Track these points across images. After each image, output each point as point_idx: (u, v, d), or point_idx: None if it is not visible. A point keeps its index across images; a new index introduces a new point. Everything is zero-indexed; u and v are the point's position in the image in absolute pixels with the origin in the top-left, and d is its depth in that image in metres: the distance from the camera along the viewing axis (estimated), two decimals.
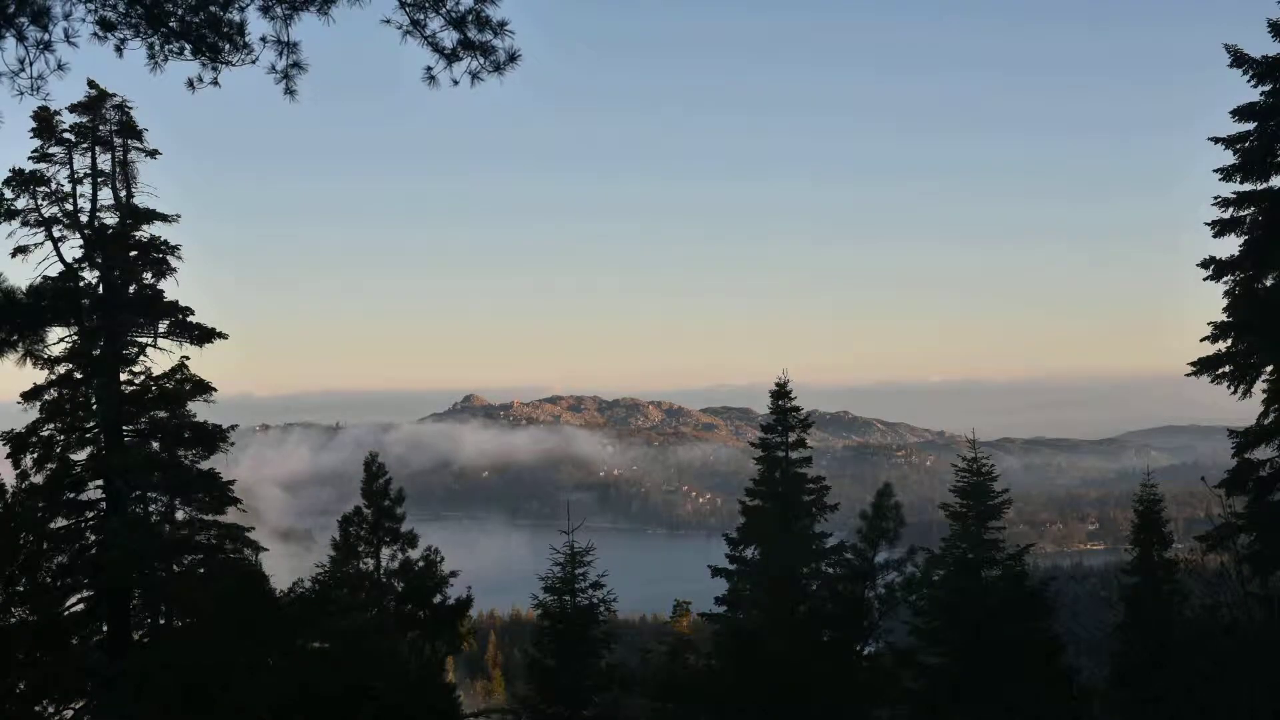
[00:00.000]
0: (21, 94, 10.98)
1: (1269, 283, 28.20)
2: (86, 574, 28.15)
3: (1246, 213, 28.19)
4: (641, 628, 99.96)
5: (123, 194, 29.94)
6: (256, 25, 11.06)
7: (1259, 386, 28.35)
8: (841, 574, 31.27)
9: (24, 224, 29.27)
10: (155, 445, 29.94)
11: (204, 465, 29.92)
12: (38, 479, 28.07)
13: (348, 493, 32.67)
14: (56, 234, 29.41)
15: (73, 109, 29.39)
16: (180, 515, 29.88)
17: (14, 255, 29.18)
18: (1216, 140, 28.10)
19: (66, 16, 10.80)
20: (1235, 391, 28.56)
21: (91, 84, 29.22)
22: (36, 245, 29.38)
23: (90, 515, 28.94)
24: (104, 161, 29.98)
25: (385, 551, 29.69)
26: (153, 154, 30.62)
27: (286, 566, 29.69)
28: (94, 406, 29.30)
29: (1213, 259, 28.59)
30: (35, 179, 29.28)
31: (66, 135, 29.61)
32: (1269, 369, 28.20)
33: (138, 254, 29.90)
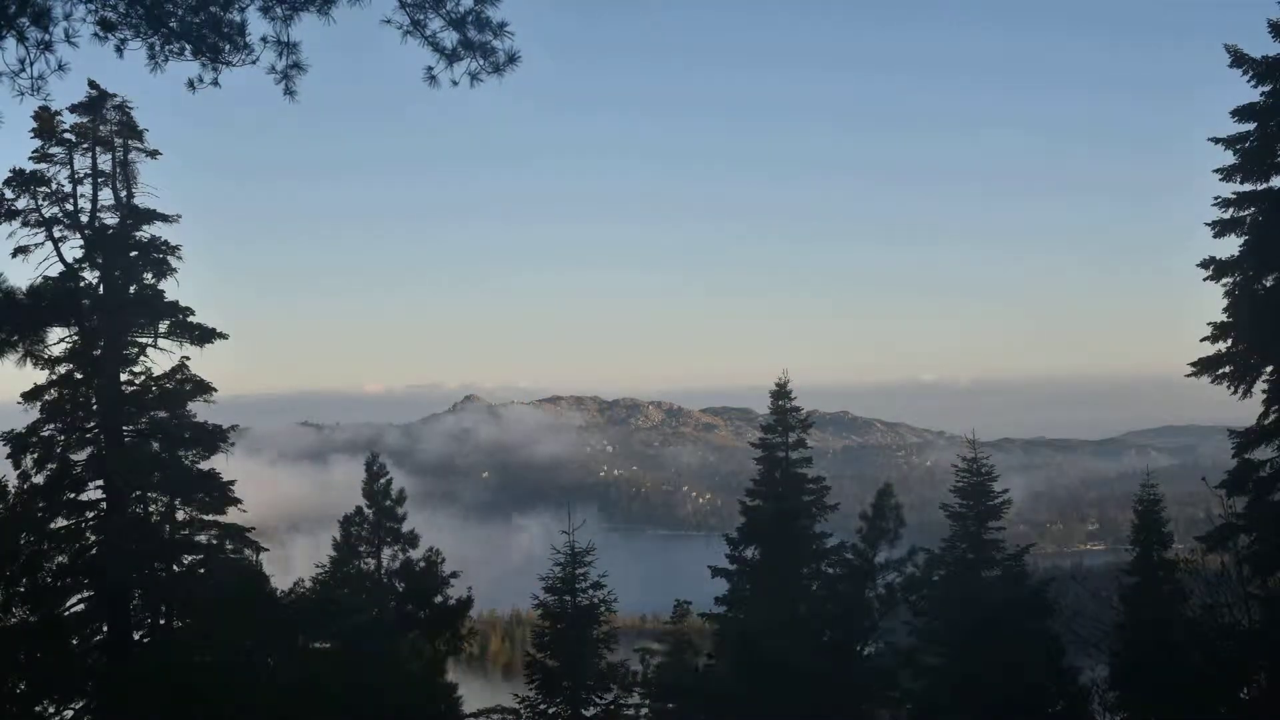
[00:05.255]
0: (22, 94, 10.97)
1: (1269, 283, 28.18)
2: (86, 574, 28.14)
3: (1247, 213, 28.16)
4: (641, 628, 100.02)
5: (123, 194, 29.96)
6: (257, 25, 11.08)
7: (1259, 386, 28.32)
8: (841, 574, 31.28)
9: (24, 224, 29.27)
10: (155, 445, 29.94)
11: (204, 465, 29.93)
12: (38, 479, 28.06)
13: (348, 493, 32.67)
14: (57, 234, 29.42)
15: (73, 109, 29.39)
16: (180, 515, 29.88)
17: (14, 255, 29.19)
18: (1216, 141, 28.07)
19: (67, 17, 10.80)
20: (1235, 391, 28.53)
21: (92, 84, 29.21)
22: (37, 245, 29.39)
23: (90, 515, 28.94)
24: (104, 162, 30.00)
25: (386, 552, 29.72)
26: (153, 154, 30.63)
27: (286, 566, 29.68)
28: (94, 406, 29.31)
29: (1213, 259, 28.57)
30: (36, 179, 29.28)
31: (67, 135, 29.61)
32: (1269, 369, 28.17)
33: (138, 254, 29.91)
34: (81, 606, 27.76)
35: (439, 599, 29.76)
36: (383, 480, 30.07)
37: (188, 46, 11.03)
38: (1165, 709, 20.36)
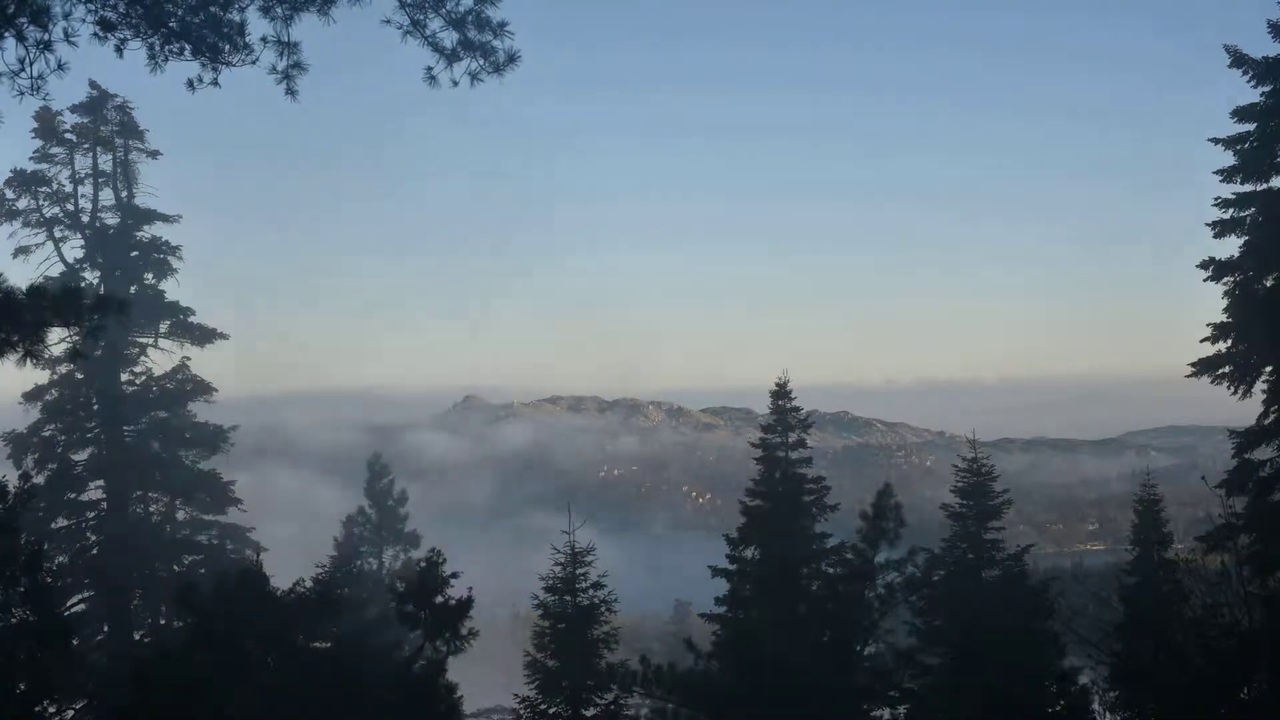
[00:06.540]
0: (22, 94, 10.98)
1: (1269, 283, 28.20)
2: (86, 574, 28.17)
3: (1246, 213, 28.18)
4: (641, 628, 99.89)
5: (124, 194, 29.99)
6: (257, 25, 11.08)
7: (1259, 386, 28.34)
8: (841, 574, 31.22)
9: (25, 224, 29.35)
10: (155, 445, 29.97)
11: (204, 465, 29.96)
12: (39, 479, 28.09)
13: (351, 492, 32.69)
14: (58, 234, 29.48)
15: (74, 109, 29.47)
16: (180, 515, 29.92)
17: (15, 255, 29.30)
18: (1216, 141, 28.10)
19: (66, 16, 10.80)
20: (1235, 392, 28.56)
21: (93, 85, 29.26)
22: (38, 245, 29.50)
23: (90, 515, 28.98)
24: (105, 162, 30.08)
25: (388, 551, 29.73)
26: (154, 154, 30.72)
27: (285, 567, 29.69)
28: (94, 407, 29.33)
29: (1213, 259, 28.59)
30: (37, 179, 29.34)
31: (68, 136, 29.67)
32: (1269, 369, 28.19)
33: (138, 254, 29.94)
34: (82, 606, 27.79)
35: (440, 599, 29.76)
36: (385, 480, 30.09)
37: (188, 46, 11.03)
38: (1165, 709, 20.37)
